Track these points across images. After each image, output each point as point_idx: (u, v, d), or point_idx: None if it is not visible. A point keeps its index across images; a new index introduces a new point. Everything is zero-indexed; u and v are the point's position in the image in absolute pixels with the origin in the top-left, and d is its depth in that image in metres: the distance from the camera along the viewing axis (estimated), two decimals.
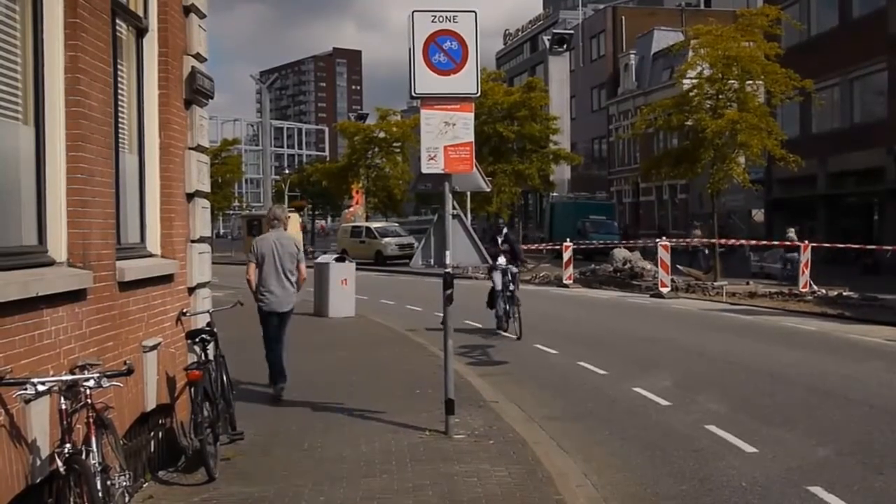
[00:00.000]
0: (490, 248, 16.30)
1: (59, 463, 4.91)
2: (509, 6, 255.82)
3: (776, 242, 32.45)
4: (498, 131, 43.95)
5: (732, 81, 29.10)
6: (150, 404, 7.26)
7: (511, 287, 17.26)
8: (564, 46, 60.79)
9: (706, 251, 33.26)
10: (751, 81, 29.33)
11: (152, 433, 7.62)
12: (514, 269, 17.66)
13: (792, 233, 31.16)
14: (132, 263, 6.93)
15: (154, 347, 7.29)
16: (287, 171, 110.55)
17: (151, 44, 7.72)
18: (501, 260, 17.29)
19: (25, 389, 4.75)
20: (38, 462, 5.10)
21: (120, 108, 7.05)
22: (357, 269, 22.82)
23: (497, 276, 17.42)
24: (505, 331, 17.35)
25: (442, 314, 9.29)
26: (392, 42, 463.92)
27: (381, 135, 57.04)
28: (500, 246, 17.55)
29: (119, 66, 7.04)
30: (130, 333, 6.80)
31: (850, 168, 36.69)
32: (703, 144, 28.83)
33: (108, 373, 5.28)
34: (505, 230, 18.46)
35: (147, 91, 7.66)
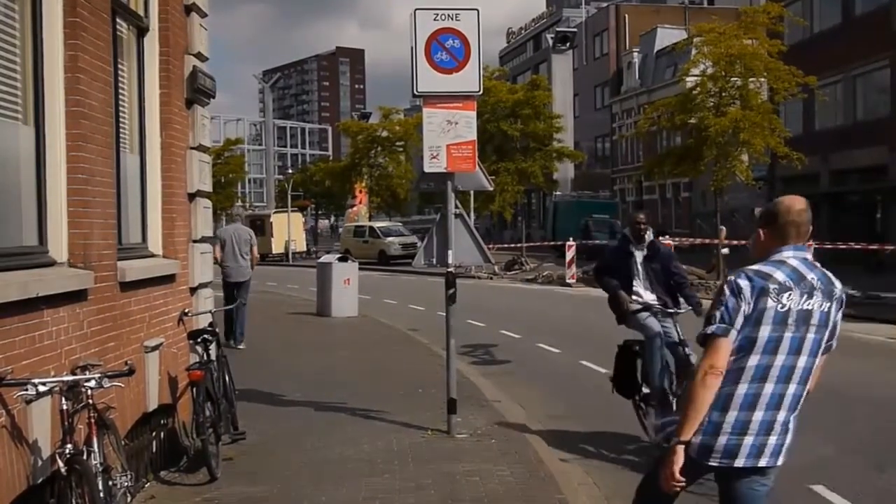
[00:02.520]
0: (608, 263, 9.63)
1: (61, 463, 4.90)
2: (512, 4, 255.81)
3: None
4: (501, 129, 43.91)
5: (735, 79, 29.08)
6: (152, 404, 7.26)
7: (683, 349, 8.81)
8: (567, 45, 60.89)
9: None
10: (754, 79, 29.31)
11: (154, 433, 7.61)
12: (675, 310, 9.13)
13: (724, 231, 31.60)
14: (133, 263, 6.93)
15: (156, 347, 7.29)
16: (290, 171, 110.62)
17: (152, 43, 7.71)
18: (649, 295, 9.07)
19: (26, 390, 4.75)
20: (40, 463, 5.09)
21: (121, 108, 7.04)
22: (360, 268, 22.81)
23: (650, 326, 8.91)
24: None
25: (445, 314, 9.28)
26: (395, 41, 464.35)
27: (384, 134, 57.07)
28: (638, 264, 9.15)
29: (120, 66, 7.03)
30: (132, 334, 6.79)
31: (853, 166, 36.64)
32: (707, 142, 28.80)
33: (110, 373, 5.28)
34: (648, 233, 9.30)
35: (148, 90, 7.65)
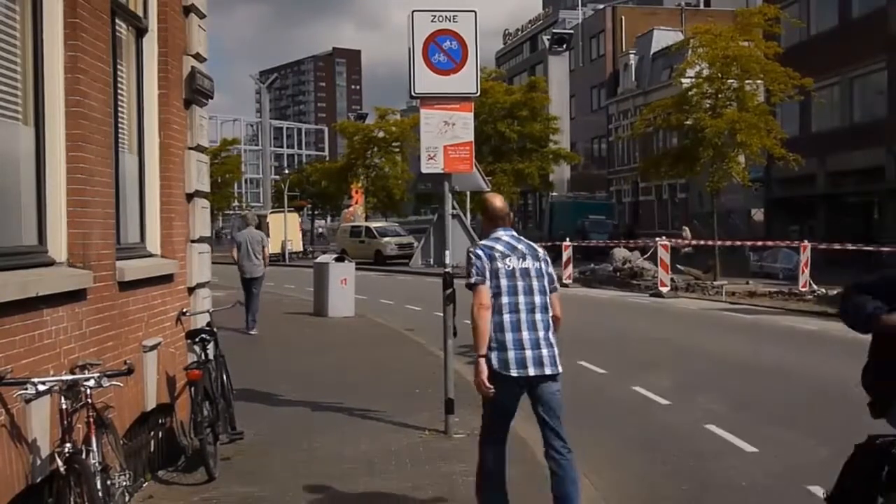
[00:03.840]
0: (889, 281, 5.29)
1: (60, 462, 4.91)
2: (509, 6, 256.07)
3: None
4: (499, 131, 43.96)
5: (731, 81, 29.11)
6: (150, 404, 7.26)
7: None
8: (564, 46, 60.86)
9: None
10: (750, 81, 29.34)
11: (152, 433, 7.62)
12: None
13: (687, 232, 31.41)
14: (132, 263, 6.93)
15: (154, 347, 7.29)
16: (286, 171, 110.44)
17: (151, 44, 7.72)
18: None
19: (26, 389, 4.75)
20: (39, 462, 5.10)
21: (120, 108, 7.05)
22: (357, 268, 22.82)
23: None
24: None
25: (442, 314, 9.29)
26: (391, 41, 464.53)
27: (381, 134, 57.08)
28: None
29: (119, 67, 7.04)
30: (130, 333, 6.80)
31: (850, 167, 36.69)
32: (703, 144, 28.84)
33: (109, 372, 5.28)
34: None
35: (147, 91, 7.65)
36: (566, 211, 52.09)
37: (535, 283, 6.08)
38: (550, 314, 6.14)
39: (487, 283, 5.98)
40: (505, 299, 6.00)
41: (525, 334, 5.95)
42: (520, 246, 6.19)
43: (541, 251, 6.28)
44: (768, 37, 30.28)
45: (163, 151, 7.83)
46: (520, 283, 6.03)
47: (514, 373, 5.89)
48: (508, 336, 5.94)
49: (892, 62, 33.76)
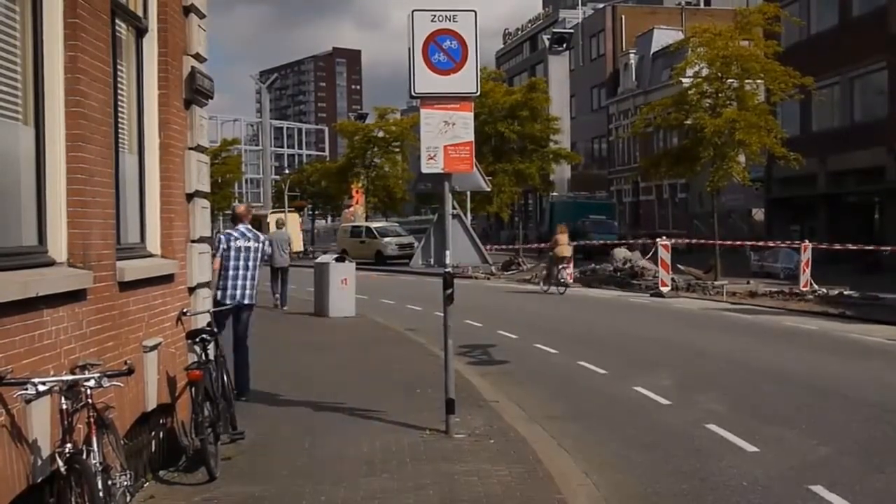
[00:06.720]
0: None
1: (60, 463, 4.91)
2: (509, 5, 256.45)
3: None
4: (499, 131, 43.87)
5: (731, 80, 29.07)
6: (151, 404, 7.26)
7: None
8: (564, 46, 60.92)
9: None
10: (750, 80, 29.30)
11: (153, 433, 7.61)
12: None
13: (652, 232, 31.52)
14: (132, 263, 6.92)
15: (154, 347, 7.29)
16: (287, 171, 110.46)
17: (151, 44, 7.71)
18: None
19: (26, 389, 4.75)
20: (39, 462, 5.10)
21: (120, 108, 7.04)
22: (357, 268, 22.83)
23: None
24: None
25: (442, 314, 9.29)
26: (392, 41, 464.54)
27: (381, 134, 57.11)
28: None
29: (119, 67, 7.03)
30: (131, 333, 6.79)
31: (851, 167, 36.66)
32: (703, 143, 28.80)
33: (109, 373, 5.27)
34: None
35: (147, 91, 7.64)
36: (566, 211, 52.05)
37: (251, 255, 10.72)
38: (257, 272, 10.84)
39: (220, 255, 10.52)
40: (232, 263, 10.62)
41: (238, 282, 10.62)
42: (248, 234, 10.83)
43: (261, 236, 11.11)
44: (768, 36, 30.28)
45: (163, 151, 7.82)
46: (242, 255, 10.66)
47: (227, 301, 10.44)
48: (229, 283, 10.60)
49: (893, 62, 33.73)
